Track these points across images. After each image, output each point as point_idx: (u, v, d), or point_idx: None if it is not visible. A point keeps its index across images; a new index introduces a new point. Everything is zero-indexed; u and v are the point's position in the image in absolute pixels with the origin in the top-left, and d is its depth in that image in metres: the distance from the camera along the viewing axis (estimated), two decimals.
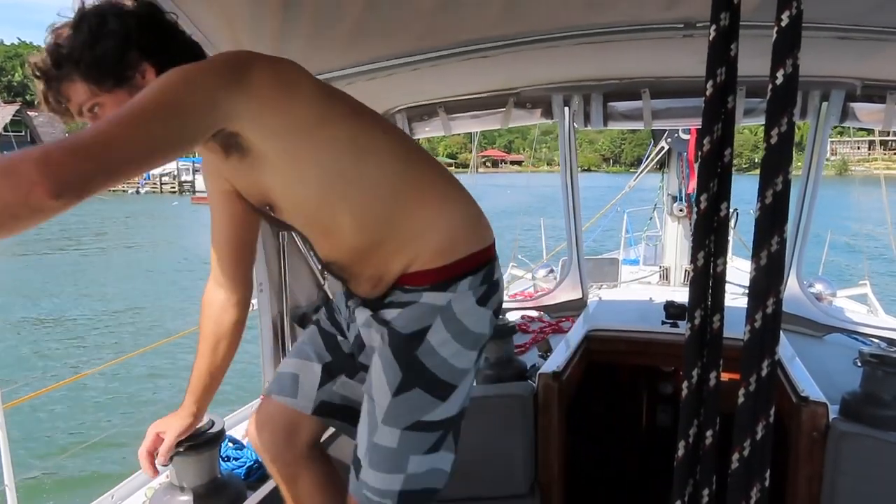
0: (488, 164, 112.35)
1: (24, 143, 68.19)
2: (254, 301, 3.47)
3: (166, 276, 21.98)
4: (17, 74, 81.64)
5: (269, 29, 2.29)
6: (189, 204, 55.55)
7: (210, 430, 2.12)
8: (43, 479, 7.90)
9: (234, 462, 2.63)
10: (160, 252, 28.25)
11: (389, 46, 2.64)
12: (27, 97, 79.75)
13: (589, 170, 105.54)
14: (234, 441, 2.78)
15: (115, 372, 11.29)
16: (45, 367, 12.42)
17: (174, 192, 68.64)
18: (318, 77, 2.73)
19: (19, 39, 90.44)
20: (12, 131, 66.62)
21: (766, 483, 1.07)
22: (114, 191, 69.68)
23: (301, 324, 3.47)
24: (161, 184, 71.58)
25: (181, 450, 2.05)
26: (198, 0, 2.07)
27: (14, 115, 68.89)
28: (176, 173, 72.01)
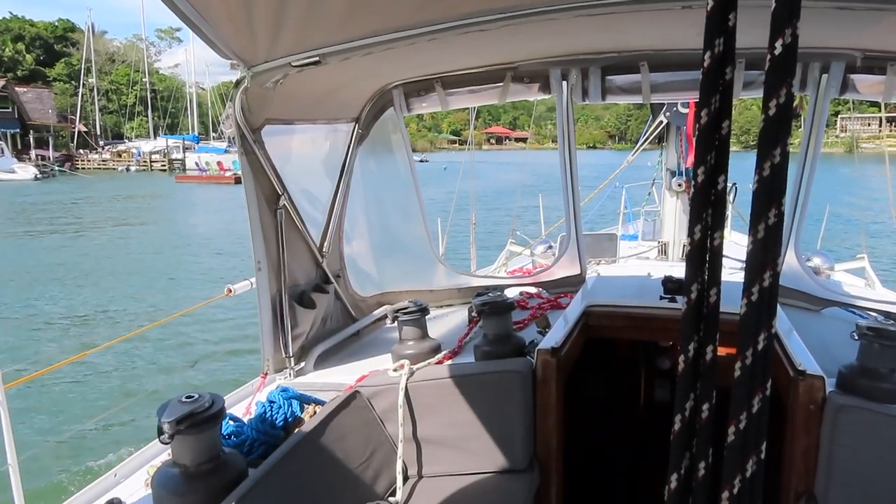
0: (492, 140, 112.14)
1: (10, 119, 66.61)
2: (252, 280, 3.50)
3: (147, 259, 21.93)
4: (7, 49, 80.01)
5: (263, 3, 2.26)
6: (174, 182, 55.85)
7: (210, 409, 2.12)
8: (46, 458, 7.96)
9: (234, 439, 2.65)
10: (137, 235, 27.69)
11: (386, 20, 2.60)
12: (18, 72, 77.73)
13: (595, 147, 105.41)
14: (235, 419, 2.79)
15: (112, 353, 11.34)
16: (38, 348, 12.49)
17: (164, 171, 67.83)
18: (314, 52, 2.74)
19: (10, 13, 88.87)
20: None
21: (762, 455, 1.07)
22: (104, 168, 68.75)
23: (300, 302, 3.48)
24: (150, 162, 70.38)
25: (182, 428, 2.06)
26: None
27: (0, 91, 67.11)
28: (166, 151, 71.01)
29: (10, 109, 67.58)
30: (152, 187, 51.27)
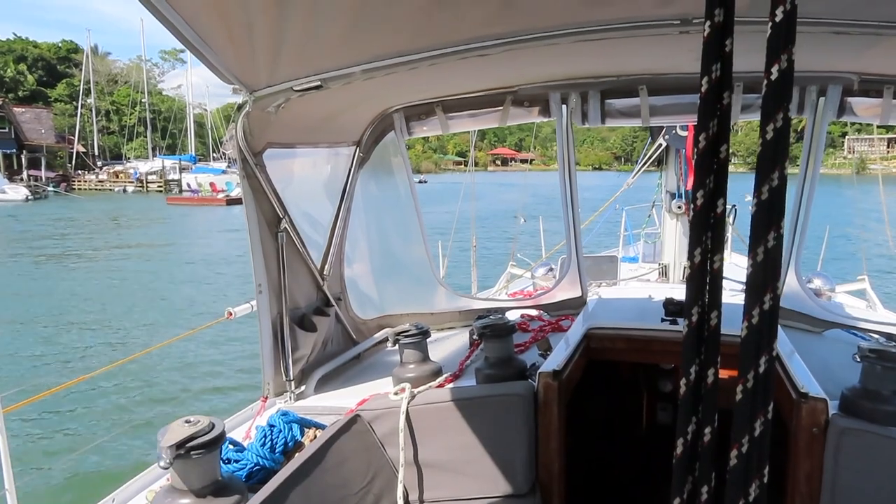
0: (498, 162, 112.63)
1: (6, 139, 65.17)
2: (253, 302, 3.50)
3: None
4: (9, 70, 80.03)
5: (264, 27, 2.28)
6: (165, 204, 54.27)
7: (210, 433, 2.11)
8: (44, 483, 7.90)
9: (234, 464, 2.63)
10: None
11: (387, 45, 2.63)
12: (19, 93, 77.40)
13: (600, 168, 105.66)
14: (235, 443, 2.77)
15: (110, 377, 11.29)
16: (34, 372, 12.43)
17: (160, 191, 67.23)
18: (315, 77, 2.77)
19: (14, 34, 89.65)
20: None
21: (765, 479, 1.07)
22: (100, 189, 67.30)
23: (301, 325, 3.48)
24: (147, 182, 69.89)
25: (181, 452, 2.05)
26: (193, 2, 2.06)
27: None
28: (162, 171, 70.52)
29: (7, 129, 66.82)
30: (143, 210, 50.85)
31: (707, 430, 1.13)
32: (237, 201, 42.82)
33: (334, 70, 2.72)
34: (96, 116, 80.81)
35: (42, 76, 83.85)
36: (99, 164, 76.95)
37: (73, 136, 75.03)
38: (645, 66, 3.72)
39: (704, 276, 1.13)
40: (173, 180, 68.81)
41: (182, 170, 68.69)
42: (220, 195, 55.75)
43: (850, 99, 3.68)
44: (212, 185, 59.45)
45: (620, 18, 2.57)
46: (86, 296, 19.84)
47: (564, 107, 4.10)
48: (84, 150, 76.15)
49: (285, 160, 3.40)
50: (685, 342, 1.14)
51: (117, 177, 72.83)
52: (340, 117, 3.69)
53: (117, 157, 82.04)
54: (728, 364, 1.14)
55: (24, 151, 68.12)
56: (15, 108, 70.61)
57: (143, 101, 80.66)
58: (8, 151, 66.67)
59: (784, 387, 2.72)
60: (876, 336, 3.85)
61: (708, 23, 1.07)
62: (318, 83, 2.74)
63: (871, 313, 6.12)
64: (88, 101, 79.24)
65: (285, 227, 3.30)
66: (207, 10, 2.14)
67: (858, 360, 2.63)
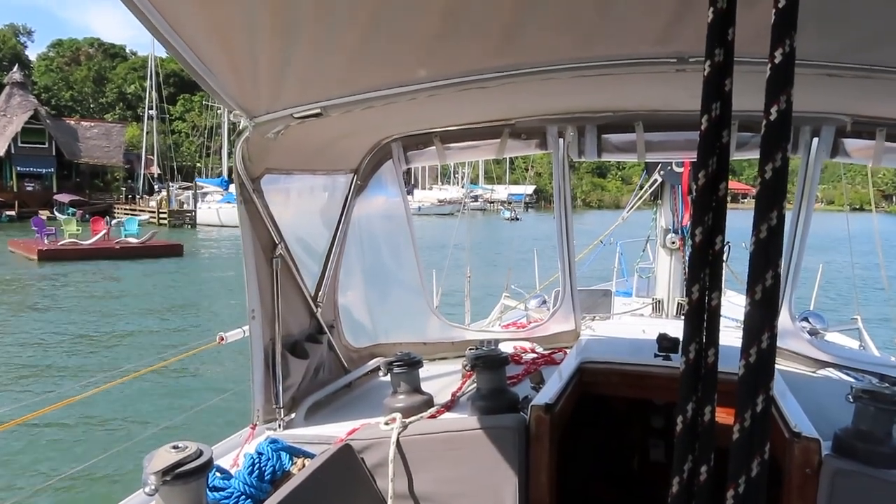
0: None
1: (43, 157, 57.80)
2: (245, 328, 3.48)
3: None
4: (133, 86, 73.92)
5: (267, 57, 2.31)
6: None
7: (197, 460, 2.08)
8: None
9: (220, 493, 2.58)
10: None
11: (388, 75, 2.66)
12: (138, 110, 72.05)
13: (861, 208, 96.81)
14: (222, 471, 2.72)
15: (96, 400, 11.06)
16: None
17: (164, 224, 52.66)
18: (316, 105, 2.79)
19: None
20: (28, 142, 57.22)
21: None
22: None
23: (293, 351, 3.45)
24: (159, 213, 55.45)
25: (167, 479, 2.01)
26: (197, 28, 2.09)
27: (30, 122, 57.47)
28: (165, 200, 57.37)
29: (47, 145, 59.38)
30: None
31: (703, 468, 1.13)
32: (136, 252, 31.47)
33: (335, 99, 2.74)
34: (175, 133, 73.90)
35: (173, 93, 77.07)
36: (157, 186, 66.48)
37: (151, 155, 67.77)
38: (641, 102, 3.77)
39: (702, 314, 1.13)
40: (187, 211, 56.34)
41: (199, 196, 57.52)
42: (97, 236, 34.42)
43: (843, 140, 3.73)
44: (94, 220, 37.23)
45: (618, 55, 2.60)
46: None
47: (561, 140, 4.14)
48: (160, 171, 68.94)
49: (283, 186, 3.42)
50: (682, 379, 1.14)
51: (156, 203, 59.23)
52: (339, 145, 3.72)
53: (189, 177, 70.66)
54: (724, 402, 1.14)
55: (74, 170, 60.66)
56: (82, 122, 65.54)
57: (218, 111, 68.78)
58: (37, 170, 58.65)
59: (777, 425, 2.71)
60: (869, 376, 3.84)
61: (708, 62, 1.09)
62: (319, 111, 2.76)
63: (865, 353, 6.12)
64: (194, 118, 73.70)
65: (281, 254, 3.30)
66: (210, 37, 2.17)
67: (851, 400, 2.62)
